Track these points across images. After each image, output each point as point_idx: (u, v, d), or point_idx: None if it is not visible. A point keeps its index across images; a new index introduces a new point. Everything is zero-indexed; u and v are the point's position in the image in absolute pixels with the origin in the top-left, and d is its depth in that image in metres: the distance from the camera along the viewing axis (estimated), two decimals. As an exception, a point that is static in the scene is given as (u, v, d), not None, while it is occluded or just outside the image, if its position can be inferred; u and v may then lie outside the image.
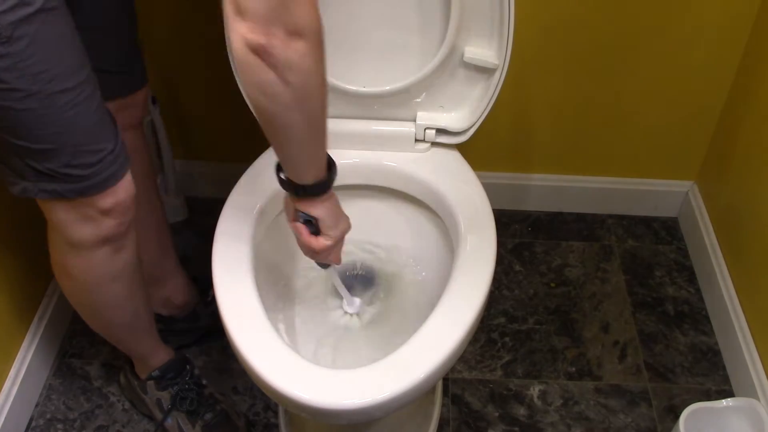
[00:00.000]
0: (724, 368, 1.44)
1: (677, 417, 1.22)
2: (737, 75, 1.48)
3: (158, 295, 1.36)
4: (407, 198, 1.20)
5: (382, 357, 0.91)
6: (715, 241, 1.55)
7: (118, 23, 1.07)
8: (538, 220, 1.73)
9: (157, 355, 1.26)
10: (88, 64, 0.89)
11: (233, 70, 1.03)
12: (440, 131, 1.20)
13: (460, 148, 1.22)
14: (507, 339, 1.49)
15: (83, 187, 0.92)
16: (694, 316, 1.54)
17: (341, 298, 1.16)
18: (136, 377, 1.30)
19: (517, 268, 1.63)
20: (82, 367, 1.43)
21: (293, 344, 1.02)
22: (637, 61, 1.47)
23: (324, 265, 1.07)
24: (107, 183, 0.94)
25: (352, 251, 1.22)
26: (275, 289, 1.17)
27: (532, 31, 1.41)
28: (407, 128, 1.20)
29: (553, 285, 1.59)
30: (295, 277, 1.21)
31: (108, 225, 0.98)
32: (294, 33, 0.72)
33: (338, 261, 1.04)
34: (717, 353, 1.47)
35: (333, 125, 1.19)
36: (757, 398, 1.29)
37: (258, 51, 0.72)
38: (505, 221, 1.71)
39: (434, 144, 1.21)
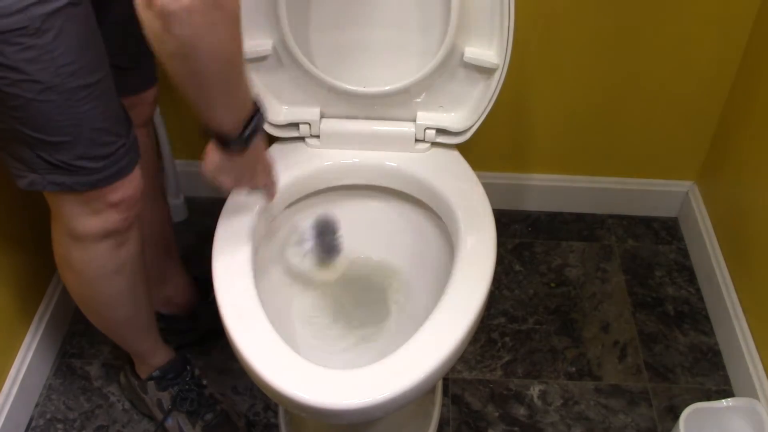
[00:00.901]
0: (724, 368, 1.44)
1: (677, 417, 1.22)
2: (737, 75, 1.48)
3: (160, 294, 1.36)
4: (407, 198, 1.21)
5: (381, 357, 0.91)
6: (715, 241, 1.55)
7: (135, 21, 1.07)
8: (538, 220, 1.73)
9: (157, 354, 1.26)
10: (107, 60, 0.90)
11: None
12: (440, 131, 1.20)
13: (460, 148, 1.22)
14: (507, 339, 1.49)
15: (94, 180, 0.93)
16: (694, 316, 1.54)
17: (339, 296, 1.16)
18: (137, 377, 1.30)
19: (517, 268, 1.63)
20: (82, 367, 1.43)
21: (293, 344, 1.01)
22: (637, 61, 1.47)
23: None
24: (117, 176, 0.95)
25: (352, 251, 1.22)
26: (275, 288, 1.17)
27: (532, 31, 1.41)
28: (407, 128, 1.20)
29: (553, 285, 1.59)
30: (296, 276, 1.21)
31: (113, 219, 0.99)
32: None
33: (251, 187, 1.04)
34: (717, 353, 1.47)
35: (333, 125, 1.21)
36: (757, 398, 1.29)
37: (148, 3, 0.74)
38: (505, 221, 1.71)
39: (434, 144, 1.21)
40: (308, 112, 1.20)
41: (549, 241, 1.68)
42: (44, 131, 0.87)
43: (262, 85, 1.19)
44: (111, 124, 0.92)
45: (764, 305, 1.34)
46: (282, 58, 1.16)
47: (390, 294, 1.22)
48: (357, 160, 1.20)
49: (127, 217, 1.01)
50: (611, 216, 1.74)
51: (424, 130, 1.20)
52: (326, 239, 1.17)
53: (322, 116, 1.21)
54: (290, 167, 1.16)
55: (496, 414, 1.37)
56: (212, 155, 0.95)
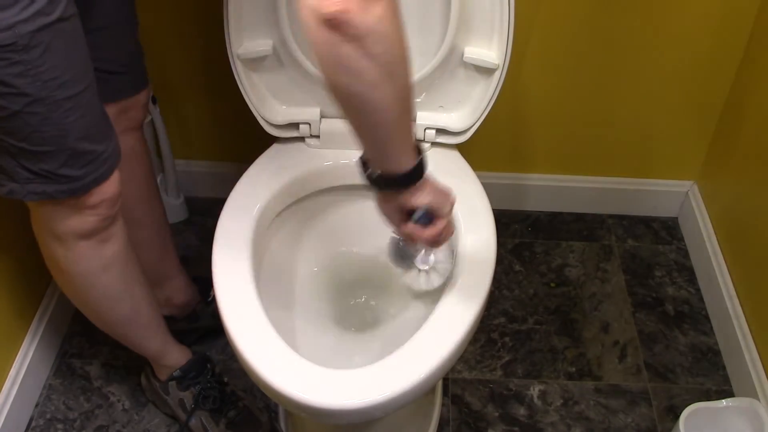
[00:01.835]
0: (724, 368, 1.44)
1: (677, 417, 1.22)
2: (737, 75, 1.47)
3: (159, 295, 1.36)
4: (407, 198, 1.20)
5: (381, 357, 0.91)
6: (715, 241, 1.55)
7: (123, 25, 1.07)
8: (538, 220, 1.73)
9: (172, 355, 1.26)
10: (92, 68, 0.90)
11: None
12: (440, 131, 1.20)
13: (460, 148, 1.22)
14: (507, 339, 1.49)
15: (74, 187, 0.93)
16: (694, 316, 1.54)
17: (339, 297, 1.16)
18: (157, 378, 1.30)
19: (517, 268, 1.63)
20: (82, 367, 1.43)
21: (293, 344, 1.01)
22: (637, 60, 1.47)
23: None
24: (96, 182, 0.95)
25: (353, 250, 1.22)
26: (275, 288, 1.17)
27: (532, 31, 1.41)
28: (407, 128, 1.19)
29: (553, 285, 1.59)
30: (295, 276, 1.21)
31: (92, 219, 0.99)
32: None
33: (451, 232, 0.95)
34: (717, 353, 1.47)
35: (333, 125, 1.20)
36: (757, 398, 1.29)
37: (333, 23, 0.64)
38: (505, 221, 1.71)
39: (434, 144, 1.21)
40: (308, 112, 1.20)
41: (549, 241, 1.68)
42: (28, 141, 0.86)
43: (262, 85, 1.19)
44: (94, 133, 0.92)
45: (764, 305, 1.34)
46: (282, 58, 1.16)
47: (390, 294, 1.22)
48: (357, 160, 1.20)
49: (107, 217, 1.00)
50: (611, 216, 1.74)
51: (424, 129, 1.20)
52: (408, 253, 1.07)
53: (322, 116, 1.21)
54: (290, 167, 1.16)
55: (496, 414, 1.37)
56: (424, 196, 0.86)
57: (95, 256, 1.04)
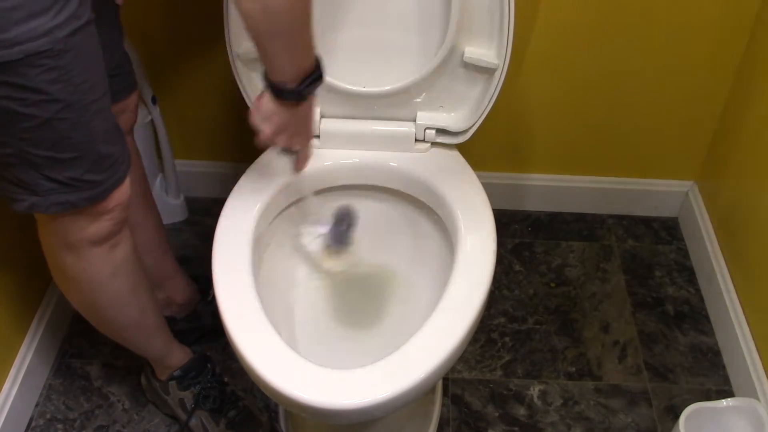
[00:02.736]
0: (724, 368, 1.44)
1: (677, 417, 1.22)
2: (737, 75, 1.48)
3: (159, 295, 1.36)
4: (407, 198, 1.21)
5: (381, 357, 0.91)
6: (715, 241, 1.55)
7: (111, 30, 1.08)
8: (538, 220, 1.73)
9: (173, 355, 1.26)
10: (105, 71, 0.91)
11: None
12: (440, 131, 1.20)
13: (459, 148, 1.22)
14: (507, 339, 1.49)
15: (96, 193, 0.94)
16: (694, 316, 1.54)
17: (339, 296, 1.16)
18: (157, 378, 1.30)
19: (517, 268, 1.63)
20: (82, 367, 1.43)
21: (293, 344, 1.02)
22: (638, 60, 1.47)
23: (286, 151, 1.08)
24: (115, 185, 0.96)
25: (353, 251, 1.22)
26: (275, 288, 1.17)
27: (532, 31, 1.41)
28: (407, 128, 1.20)
29: (553, 285, 1.59)
30: (295, 276, 1.21)
31: (106, 225, 0.99)
32: None
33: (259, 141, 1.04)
34: (717, 353, 1.47)
35: (333, 125, 1.20)
36: (757, 398, 1.29)
37: None
38: (505, 221, 1.71)
39: (434, 144, 1.21)
40: (308, 112, 1.20)
41: (549, 241, 1.68)
42: (56, 149, 0.87)
43: (261, 86, 1.19)
44: (111, 135, 0.93)
45: (764, 305, 1.34)
46: (282, 58, 1.16)
47: (390, 294, 1.22)
48: (357, 160, 1.20)
49: (120, 220, 1.01)
50: (611, 216, 1.74)
51: (424, 130, 1.20)
52: (341, 229, 1.17)
53: (322, 116, 1.21)
54: (289, 168, 1.16)
55: (496, 414, 1.37)
56: (264, 102, 0.97)
57: (106, 262, 1.04)
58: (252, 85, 1.18)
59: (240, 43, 1.14)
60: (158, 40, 1.46)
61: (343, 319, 1.19)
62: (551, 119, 1.58)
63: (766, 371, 1.31)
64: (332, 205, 1.18)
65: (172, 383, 1.27)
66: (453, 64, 1.15)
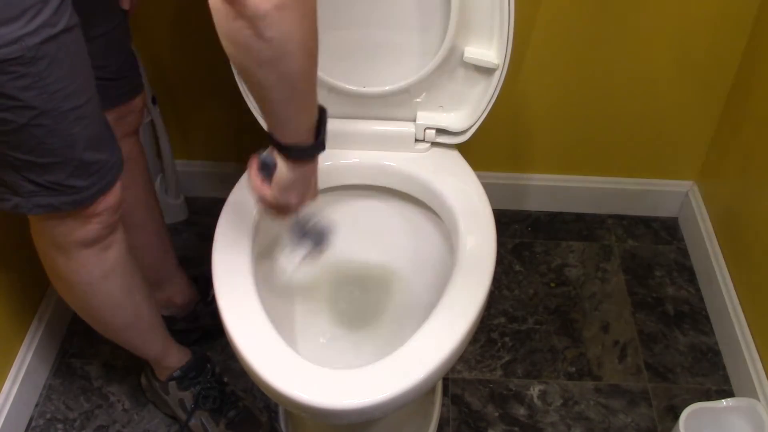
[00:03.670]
0: (724, 368, 1.44)
1: (677, 417, 1.22)
2: (737, 75, 1.48)
3: (159, 296, 1.36)
4: (407, 198, 1.21)
5: (381, 357, 0.91)
6: (715, 241, 1.55)
7: (120, 31, 1.08)
8: (538, 220, 1.73)
9: (171, 355, 1.26)
10: (93, 78, 0.90)
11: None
12: (440, 131, 1.20)
13: (460, 148, 1.22)
14: (507, 339, 1.49)
15: (80, 198, 0.93)
16: (694, 316, 1.54)
17: (339, 296, 1.16)
18: (157, 379, 1.30)
19: (517, 268, 1.63)
20: (82, 367, 1.43)
21: (293, 344, 1.02)
22: (638, 60, 1.47)
23: (317, 246, 1.04)
24: (101, 192, 0.95)
25: (352, 251, 1.22)
26: (276, 288, 1.17)
27: (532, 31, 1.41)
28: (407, 128, 1.20)
29: (553, 285, 1.59)
30: (296, 276, 1.21)
31: (94, 228, 0.99)
32: None
33: (278, 217, 0.98)
34: (717, 353, 1.47)
35: (333, 125, 1.20)
36: (757, 398, 1.29)
37: None
38: (505, 221, 1.71)
39: (434, 144, 1.21)
40: (308, 112, 1.20)
41: (549, 241, 1.68)
42: (35, 154, 0.86)
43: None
44: (99, 142, 0.92)
45: (764, 305, 1.34)
46: (282, 58, 1.16)
47: (390, 294, 1.22)
48: (357, 160, 1.20)
49: (108, 224, 1.00)
50: (611, 216, 1.74)
51: (424, 130, 1.20)
52: (309, 233, 1.09)
53: (322, 116, 1.21)
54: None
55: (496, 414, 1.37)
56: (281, 174, 0.89)
57: (97, 264, 1.04)
58: (252, 85, 1.18)
59: (240, 43, 1.14)
60: (158, 40, 1.46)
61: (343, 320, 1.19)
62: (551, 119, 1.58)
63: (766, 371, 1.31)
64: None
65: (172, 383, 1.27)
66: (453, 64, 1.15)
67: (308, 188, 0.94)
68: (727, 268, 1.49)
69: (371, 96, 1.17)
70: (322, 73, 1.14)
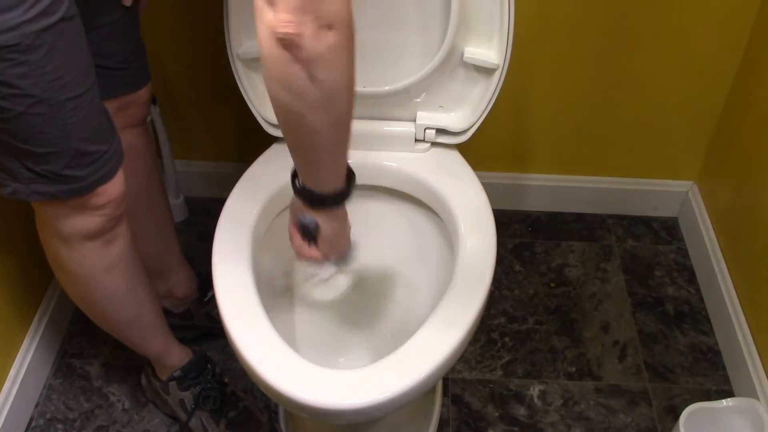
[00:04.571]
0: (724, 368, 1.44)
1: (677, 417, 1.22)
2: (737, 75, 1.48)
3: (161, 286, 1.36)
4: (407, 198, 1.21)
5: (381, 357, 0.91)
6: (715, 241, 1.55)
7: (127, 20, 1.07)
8: (538, 220, 1.73)
9: (172, 354, 1.26)
10: (93, 68, 0.90)
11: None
12: (440, 131, 1.20)
13: (460, 148, 1.22)
14: (507, 339, 1.49)
15: (77, 188, 0.93)
16: (694, 316, 1.54)
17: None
18: (158, 378, 1.30)
19: (517, 268, 1.63)
20: (82, 367, 1.43)
21: (293, 344, 1.02)
22: (637, 61, 1.47)
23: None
24: (100, 182, 0.95)
25: (352, 249, 1.22)
26: (276, 289, 1.17)
27: (532, 31, 1.41)
28: (407, 128, 1.20)
29: (553, 285, 1.59)
30: (296, 277, 1.21)
31: (98, 220, 0.99)
32: (325, 25, 0.68)
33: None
34: (717, 353, 1.47)
35: (333, 125, 1.20)
36: (757, 398, 1.29)
37: (286, 43, 0.68)
38: (505, 221, 1.71)
39: (434, 144, 1.21)
40: (308, 112, 1.20)
41: (549, 241, 1.68)
42: (32, 143, 0.86)
43: (262, 85, 1.19)
44: (96, 133, 0.92)
45: (764, 305, 1.34)
46: (282, 58, 1.16)
47: (390, 294, 1.22)
48: (357, 160, 1.20)
49: (113, 217, 1.00)
50: (611, 216, 1.74)
51: (424, 130, 1.20)
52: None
53: (322, 116, 1.20)
54: (290, 167, 1.16)
55: (496, 414, 1.37)
56: (327, 229, 0.91)
57: (100, 257, 1.04)
58: (252, 85, 1.18)
59: (240, 43, 1.14)
60: (158, 40, 1.46)
61: (343, 319, 1.19)
62: (551, 119, 1.58)
63: (766, 371, 1.31)
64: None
65: (173, 383, 1.27)
66: (453, 64, 1.15)
67: (349, 228, 0.97)
68: (727, 268, 1.49)
69: (371, 96, 1.17)
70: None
